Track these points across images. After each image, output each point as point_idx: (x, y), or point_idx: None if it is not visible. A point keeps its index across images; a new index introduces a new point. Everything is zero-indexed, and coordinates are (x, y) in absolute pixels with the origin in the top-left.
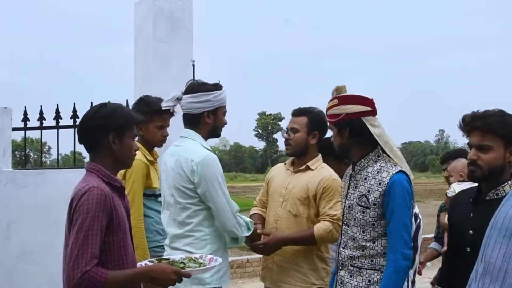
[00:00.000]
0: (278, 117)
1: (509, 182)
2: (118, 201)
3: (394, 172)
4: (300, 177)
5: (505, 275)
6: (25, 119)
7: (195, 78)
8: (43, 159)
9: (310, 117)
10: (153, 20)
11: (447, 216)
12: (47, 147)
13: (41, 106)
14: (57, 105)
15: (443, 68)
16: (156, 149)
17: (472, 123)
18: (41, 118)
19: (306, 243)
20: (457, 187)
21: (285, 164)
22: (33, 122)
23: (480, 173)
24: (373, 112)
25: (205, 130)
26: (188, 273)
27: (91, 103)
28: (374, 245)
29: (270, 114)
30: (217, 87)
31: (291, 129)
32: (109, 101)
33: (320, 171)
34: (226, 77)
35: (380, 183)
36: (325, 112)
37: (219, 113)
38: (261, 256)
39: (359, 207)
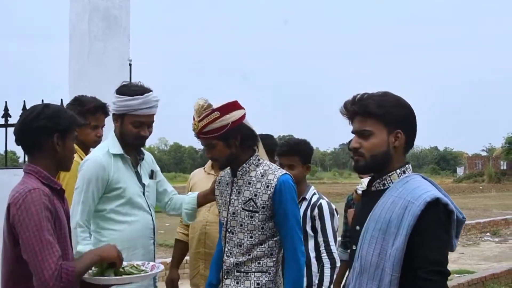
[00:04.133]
0: None
1: (398, 171)
2: (58, 204)
3: (280, 174)
4: None
5: (382, 274)
6: None
7: (132, 78)
8: None
9: None
10: (88, 17)
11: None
12: None
13: None
14: None
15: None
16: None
17: (351, 109)
18: None
19: None
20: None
21: (204, 168)
22: None
23: (364, 162)
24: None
25: (116, 133)
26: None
27: (24, 101)
28: (262, 246)
29: None
30: (127, 92)
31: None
32: (42, 100)
33: None
34: (166, 76)
35: (267, 186)
36: (199, 130)
37: (125, 120)
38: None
39: (246, 212)
